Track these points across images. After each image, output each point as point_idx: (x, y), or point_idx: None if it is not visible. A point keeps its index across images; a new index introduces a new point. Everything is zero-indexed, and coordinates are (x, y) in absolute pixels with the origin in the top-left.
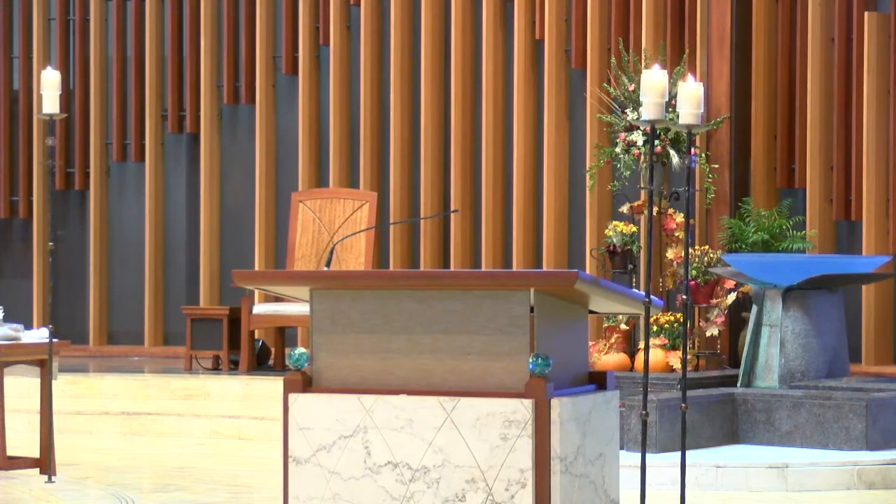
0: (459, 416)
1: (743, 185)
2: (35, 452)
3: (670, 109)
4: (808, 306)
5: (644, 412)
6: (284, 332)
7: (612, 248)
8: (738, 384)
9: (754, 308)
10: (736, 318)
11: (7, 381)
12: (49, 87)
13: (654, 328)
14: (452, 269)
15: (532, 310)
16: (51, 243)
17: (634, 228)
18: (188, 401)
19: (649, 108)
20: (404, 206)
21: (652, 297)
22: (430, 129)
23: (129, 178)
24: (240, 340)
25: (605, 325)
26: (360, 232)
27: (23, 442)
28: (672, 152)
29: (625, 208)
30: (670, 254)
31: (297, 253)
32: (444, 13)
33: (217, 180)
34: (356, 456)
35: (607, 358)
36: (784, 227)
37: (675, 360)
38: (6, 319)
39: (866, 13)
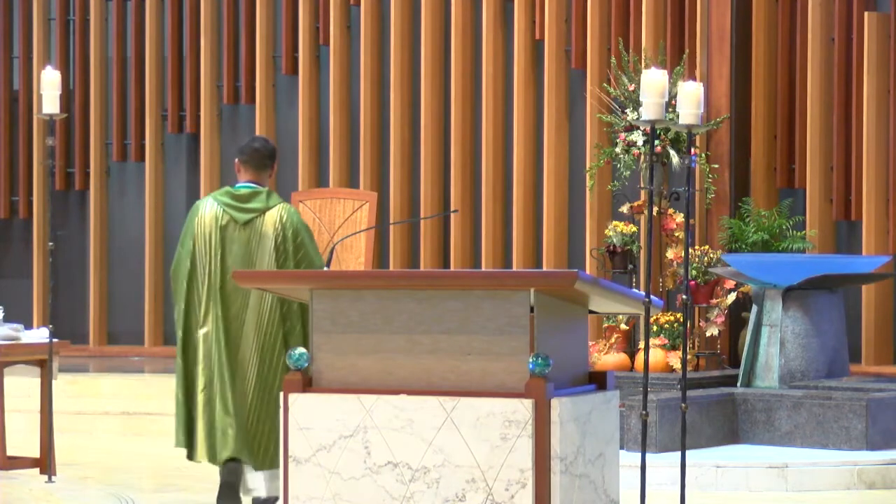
0: (459, 416)
1: (743, 185)
2: (35, 452)
3: (670, 109)
4: (808, 306)
5: (644, 412)
6: None
7: (612, 248)
8: (738, 384)
9: (754, 308)
10: (736, 318)
11: (7, 381)
12: (49, 87)
13: (654, 328)
14: (452, 269)
15: (532, 310)
16: (51, 243)
17: (634, 228)
18: None
19: (649, 108)
20: (404, 206)
21: (652, 297)
22: (430, 129)
23: (129, 178)
24: None
25: (605, 325)
26: (360, 232)
27: (23, 442)
28: (672, 152)
29: (625, 208)
30: (670, 254)
31: None
32: (444, 13)
33: (217, 180)
34: (356, 456)
35: (607, 358)
36: (784, 227)
37: (675, 360)
38: (6, 319)
39: (866, 13)
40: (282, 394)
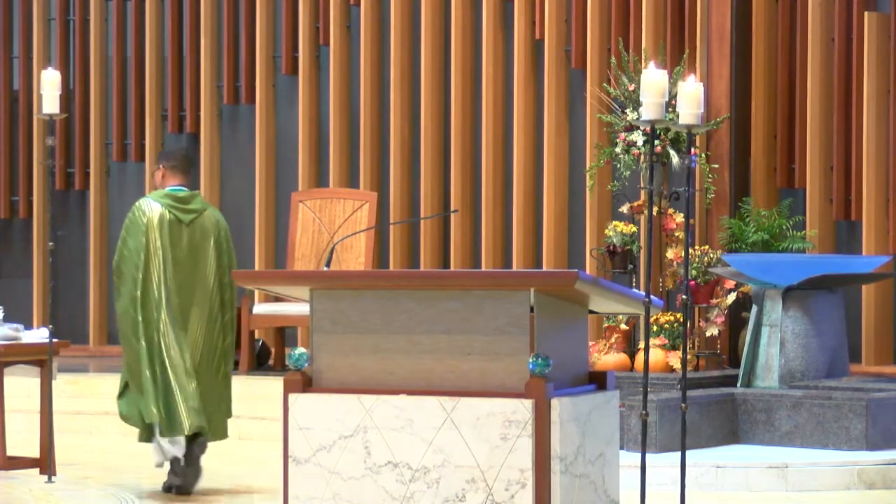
0: (459, 416)
1: (743, 185)
2: (35, 452)
3: (670, 109)
4: (808, 306)
5: (644, 412)
6: (284, 332)
7: (612, 248)
8: (738, 384)
9: (754, 308)
10: (736, 318)
11: (7, 381)
12: (49, 87)
13: (654, 328)
14: (452, 269)
15: (532, 310)
16: (51, 243)
17: (634, 228)
18: None
19: (649, 108)
20: (404, 206)
21: (652, 297)
22: (430, 129)
23: (129, 178)
24: (240, 340)
25: (605, 325)
26: (360, 232)
27: (23, 442)
28: (672, 152)
29: (625, 208)
30: (670, 254)
31: (297, 253)
32: (444, 13)
33: (217, 180)
34: (356, 456)
35: (607, 358)
36: (784, 227)
37: (675, 360)
38: (6, 319)
39: (866, 13)
40: (282, 393)
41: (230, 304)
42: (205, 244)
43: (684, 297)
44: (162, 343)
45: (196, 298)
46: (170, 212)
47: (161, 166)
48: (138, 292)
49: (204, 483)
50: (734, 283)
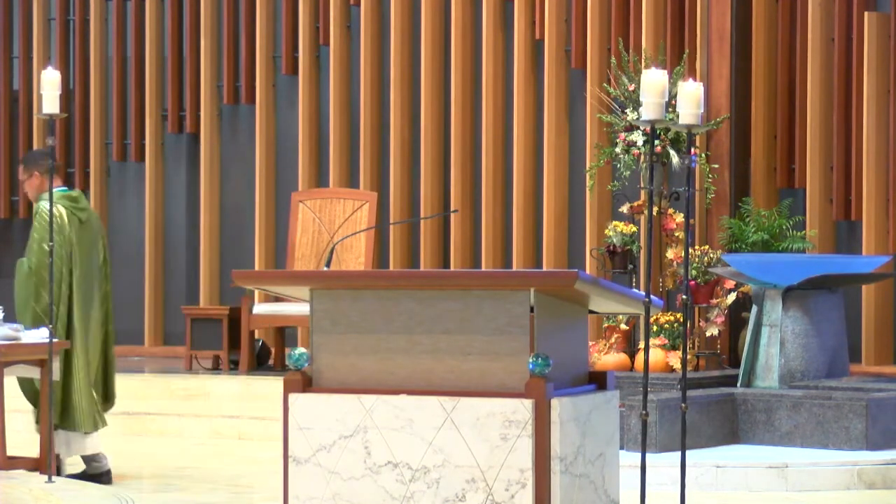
0: (459, 416)
1: (743, 185)
2: (35, 452)
3: (670, 109)
4: (808, 306)
5: (644, 412)
6: (284, 332)
7: (612, 248)
8: (738, 384)
9: (754, 308)
10: (736, 318)
11: (7, 381)
12: (49, 87)
13: (654, 328)
14: (452, 269)
15: (532, 310)
16: (51, 243)
17: (634, 228)
18: (188, 401)
19: (649, 108)
20: (404, 206)
21: (652, 297)
22: (430, 129)
23: (129, 178)
24: (240, 340)
25: (605, 325)
26: (360, 232)
27: (23, 442)
28: (672, 152)
29: (625, 208)
30: (670, 254)
31: (297, 253)
32: (444, 13)
33: (217, 180)
34: (356, 456)
35: (607, 358)
36: (784, 227)
37: (675, 360)
38: (6, 319)
39: (866, 13)
40: (282, 393)
41: (109, 293)
42: (97, 239)
43: (684, 297)
44: (80, 338)
45: (95, 292)
46: (72, 213)
47: (35, 173)
48: (59, 290)
49: (204, 483)
50: (734, 283)
